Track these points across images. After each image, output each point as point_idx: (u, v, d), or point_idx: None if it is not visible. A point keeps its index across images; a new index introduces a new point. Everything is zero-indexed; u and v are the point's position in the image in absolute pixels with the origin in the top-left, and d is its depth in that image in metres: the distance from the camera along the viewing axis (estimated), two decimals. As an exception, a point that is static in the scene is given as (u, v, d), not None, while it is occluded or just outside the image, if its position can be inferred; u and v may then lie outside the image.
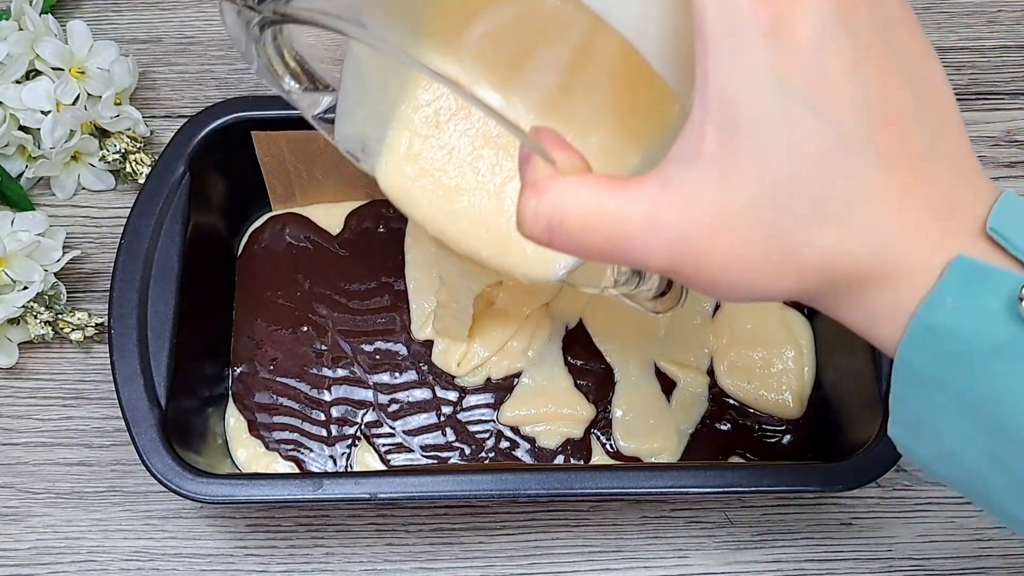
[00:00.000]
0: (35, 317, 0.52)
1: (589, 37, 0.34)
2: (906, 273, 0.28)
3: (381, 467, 0.51)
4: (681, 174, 0.29)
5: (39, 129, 0.53)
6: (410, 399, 0.52)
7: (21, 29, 0.55)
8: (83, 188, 0.57)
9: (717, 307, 0.54)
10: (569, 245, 0.30)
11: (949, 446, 0.30)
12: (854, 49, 0.28)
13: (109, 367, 0.47)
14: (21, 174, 0.56)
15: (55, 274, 0.53)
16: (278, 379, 0.52)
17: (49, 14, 0.57)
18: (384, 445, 0.51)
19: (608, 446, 0.51)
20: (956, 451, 0.30)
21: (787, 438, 0.52)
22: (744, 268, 0.29)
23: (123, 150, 0.55)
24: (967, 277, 0.28)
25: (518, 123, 0.31)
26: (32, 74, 0.55)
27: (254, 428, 0.52)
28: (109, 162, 0.56)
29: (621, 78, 0.35)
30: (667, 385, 0.52)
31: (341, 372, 0.53)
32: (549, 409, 0.52)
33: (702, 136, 0.28)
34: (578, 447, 0.51)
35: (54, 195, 0.57)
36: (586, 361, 0.53)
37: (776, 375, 0.52)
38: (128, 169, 0.56)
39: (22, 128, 0.54)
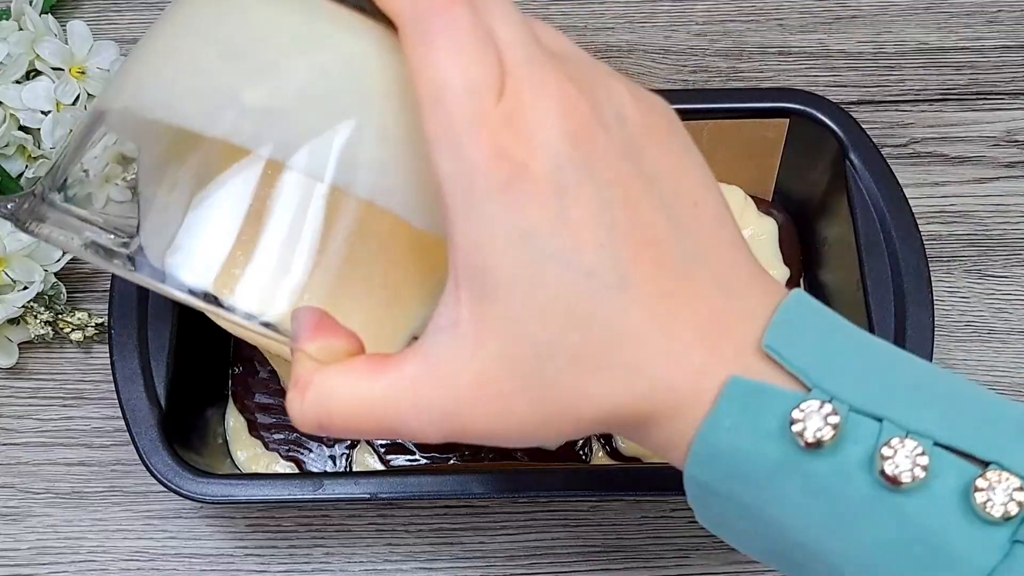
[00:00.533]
0: (35, 317, 0.52)
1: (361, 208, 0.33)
2: (683, 405, 0.28)
3: (381, 467, 0.51)
4: (440, 347, 0.28)
5: (39, 129, 0.53)
6: (410, 399, 0.52)
7: (21, 29, 0.55)
8: (83, 188, 0.57)
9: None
10: (343, 434, 0.30)
11: (746, 544, 0.30)
12: (595, 186, 0.27)
13: (109, 367, 0.47)
14: (21, 174, 0.56)
15: (55, 274, 0.53)
16: (278, 379, 0.52)
17: (49, 14, 0.57)
18: (383, 446, 0.51)
19: (608, 446, 0.51)
20: (752, 549, 0.30)
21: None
22: (516, 426, 0.28)
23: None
24: (742, 398, 0.27)
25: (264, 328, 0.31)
26: (32, 74, 0.55)
27: (254, 428, 0.52)
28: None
29: (401, 239, 0.34)
30: (667, 385, 0.52)
31: (341, 372, 0.53)
32: (549, 409, 0.52)
33: (457, 302, 0.28)
34: (578, 448, 0.51)
35: (54, 195, 0.57)
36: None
37: (776, 375, 0.52)
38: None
39: (22, 128, 0.54)
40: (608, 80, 0.29)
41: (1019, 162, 0.58)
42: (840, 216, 0.49)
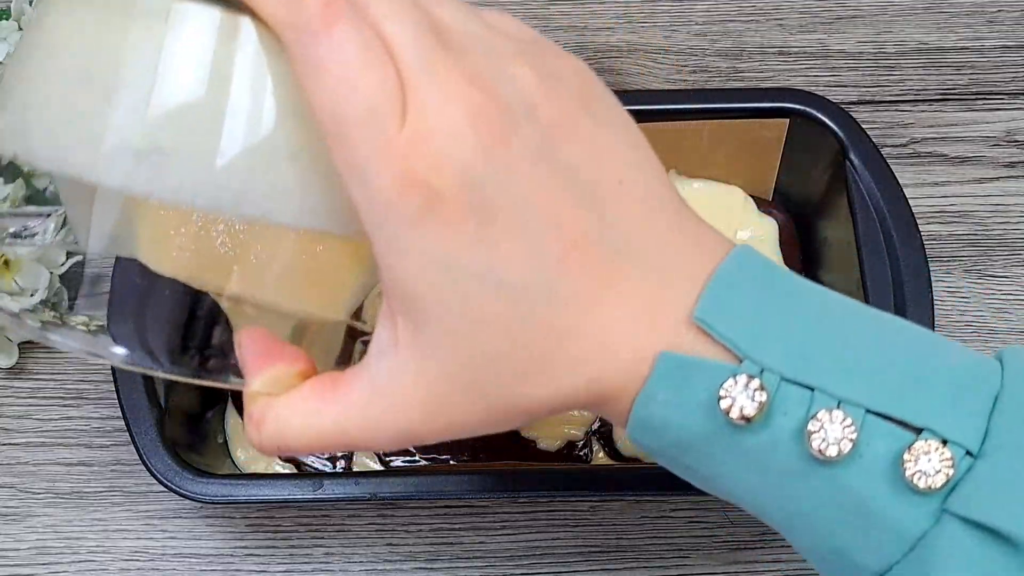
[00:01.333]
0: (35, 317, 0.52)
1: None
2: (625, 388, 0.29)
3: (381, 468, 0.51)
4: (384, 370, 0.29)
5: (39, 129, 0.53)
6: (410, 400, 0.52)
7: (21, 29, 0.55)
8: (83, 188, 0.57)
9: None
10: (302, 455, 0.30)
11: (700, 487, 0.31)
12: (512, 197, 0.26)
13: (109, 367, 0.47)
14: (21, 174, 0.56)
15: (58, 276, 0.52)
16: (278, 379, 0.52)
17: (49, 14, 0.56)
18: (384, 445, 0.51)
19: (608, 447, 0.51)
20: (706, 491, 0.31)
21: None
22: (467, 430, 0.29)
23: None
24: (671, 373, 0.28)
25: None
26: (32, 74, 0.55)
27: (254, 428, 0.52)
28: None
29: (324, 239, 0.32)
30: (667, 385, 0.52)
31: (341, 372, 0.53)
32: (549, 410, 0.52)
33: (394, 325, 0.28)
34: (579, 449, 0.51)
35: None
36: (586, 361, 0.53)
37: (776, 375, 0.52)
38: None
39: (22, 128, 0.54)
40: (512, 67, 0.28)
41: (1019, 162, 0.58)
42: (840, 216, 0.49)
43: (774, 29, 0.61)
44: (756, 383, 0.27)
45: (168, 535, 0.51)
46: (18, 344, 0.53)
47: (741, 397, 0.27)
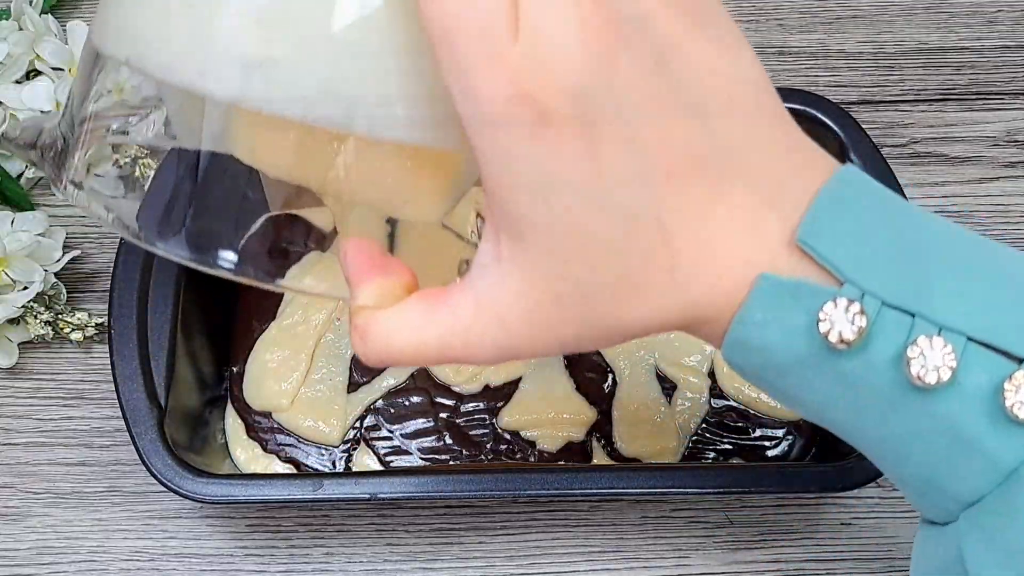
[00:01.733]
0: (35, 317, 0.52)
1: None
2: (722, 311, 0.28)
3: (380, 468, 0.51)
4: (488, 286, 0.29)
5: (39, 129, 0.53)
6: (407, 403, 0.52)
7: (21, 29, 0.55)
8: (83, 188, 0.57)
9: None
10: (405, 367, 0.32)
11: (787, 407, 0.31)
12: (622, 114, 0.26)
13: (109, 367, 0.47)
14: (21, 174, 0.56)
15: (55, 274, 0.53)
16: (278, 379, 0.52)
17: (49, 14, 0.57)
18: (383, 448, 0.51)
19: (608, 448, 0.51)
20: (793, 409, 0.31)
21: (787, 439, 0.52)
22: (565, 348, 0.30)
23: (133, 155, 0.55)
24: (772, 294, 0.28)
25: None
26: (32, 74, 0.55)
27: (252, 430, 0.52)
28: (120, 166, 0.56)
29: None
30: (668, 387, 0.52)
31: (341, 372, 0.53)
32: (550, 413, 0.52)
33: (498, 240, 0.28)
34: (578, 450, 0.51)
35: (54, 195, 0.57)
36: (587, 364, 0.53)
37: (776, 375, 0.52)
38: (136, 173, 0.56)
39: (22, 128, 0.54)
40: None
41: (1019, 162, 0.58)
42: (840, 216, 0.49)
43: (774, 29, 0.61)
44: (856, 307, 0.26)
45: (168, 535, 0.51)
46: (18, 344, 0.53)
47: (841, 321, 0.26)
